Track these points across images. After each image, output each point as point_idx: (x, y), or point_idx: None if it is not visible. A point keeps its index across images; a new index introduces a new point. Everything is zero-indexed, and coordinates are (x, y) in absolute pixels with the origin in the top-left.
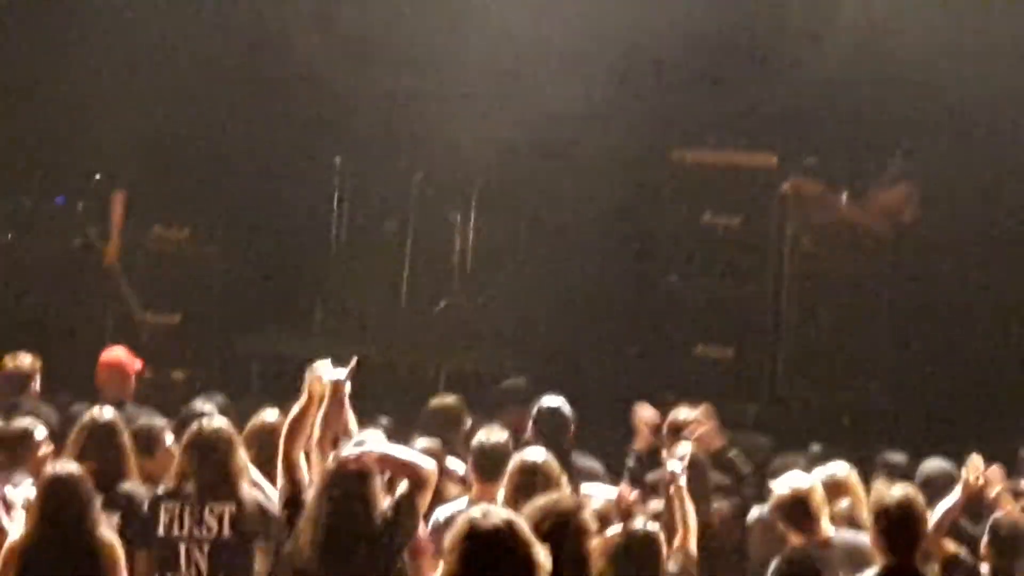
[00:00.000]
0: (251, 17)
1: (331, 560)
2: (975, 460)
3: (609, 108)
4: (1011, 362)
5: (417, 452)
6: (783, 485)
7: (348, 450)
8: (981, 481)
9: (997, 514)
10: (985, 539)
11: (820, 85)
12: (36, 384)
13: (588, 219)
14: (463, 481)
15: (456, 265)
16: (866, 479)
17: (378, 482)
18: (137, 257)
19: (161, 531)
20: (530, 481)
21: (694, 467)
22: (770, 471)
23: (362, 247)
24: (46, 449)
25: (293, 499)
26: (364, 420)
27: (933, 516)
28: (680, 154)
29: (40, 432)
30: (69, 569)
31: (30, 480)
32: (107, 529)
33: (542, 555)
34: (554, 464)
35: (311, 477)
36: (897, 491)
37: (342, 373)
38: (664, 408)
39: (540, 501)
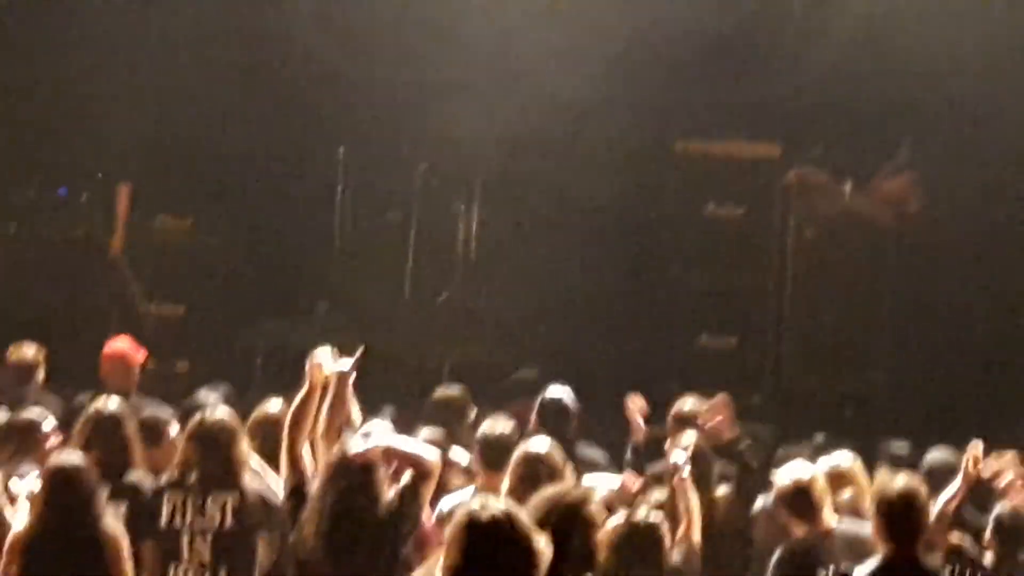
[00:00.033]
0: (254, 10)
1: (336, 551)
2: (975, 447)
3: (612, 100)
4: (1015, 352)
5: (421, 443)
6: (785, 475)
7: (353, 442)
8: (987, 471)
9: (1001, 503)
10: (989, 529)
11: (823, 76)
12: (40, 375)
13: (591, 211)
14: (467, 472)
15: (459, 256)
16: (870, 469)
17: (382, 473)
18: (140, 248)
19: (164, 522)
20: (534, 471)
21: (698, 457)
22: (774, 461)
23: (365, 238)
24: (54, 440)
25: (297, 489)
26: (368, 411)
27: (936, 506)
28: (683, 145)
29: (48, 424)
30: (73, 560)
31: (36, 472)
32: (111, 520)
33: (542, 544)
34: (558, 454)
35: (316, 467)
36: (899, 481)
37: (347, 364)
38: (669, 399)
39: (547, 493)
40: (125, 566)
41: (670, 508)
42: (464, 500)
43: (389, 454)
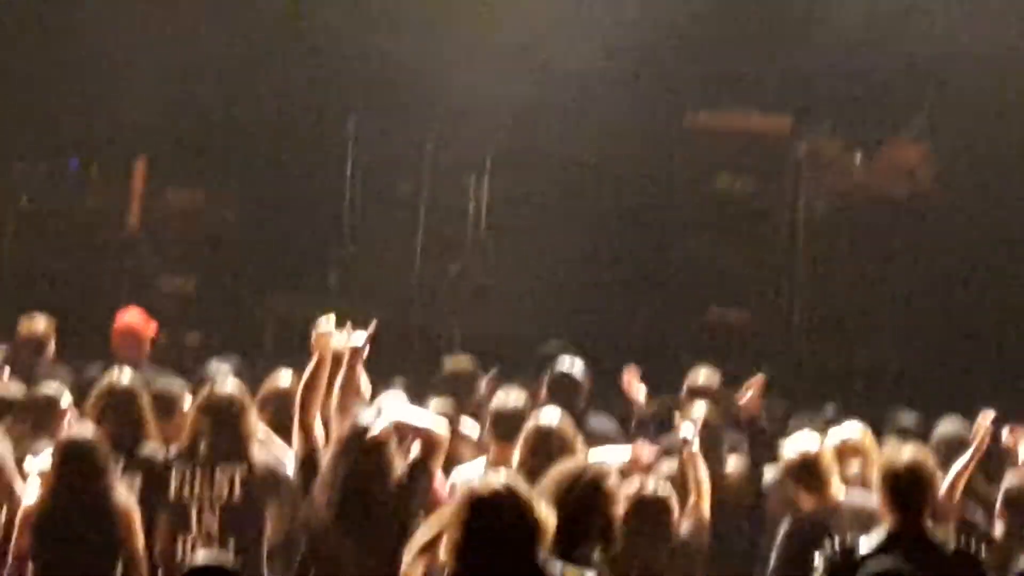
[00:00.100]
0: None
1: (347, 524)
2: (986, 417)
3: (623, 73)
4: None
5: (430, 415)
6: (793, 448)
7: (365, 415)
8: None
9: (1011, 475)
10: (999, 500)
11: (834, 48)
12: (51, 348)
13: (602, 182)
14: (477, 444)
15: (470, 229)
16: (880, 441)
17: (393, 446)
18: (152, 221)
19: (172, 493)
20: (544, 443)
21: (708, 429)
22: (785, 433)
23: (376, 211)
24: (71, 416)
25: (309, 460)
26: (378, 383)
27: (947, 477)
28: (694, 118)
29: (65, 399)
30: (85, 533)
31: (51, 448)
32: (123, 492)
33: (544, 514)
34: (568, 426)
35: (328, 441)
36: (906, 452)
37: (360, 338)
38: (681, 371)
39: (566, 468)
40: (137, 539)
41: (680, 480)
42: (476, 472)
43: (399, 428)
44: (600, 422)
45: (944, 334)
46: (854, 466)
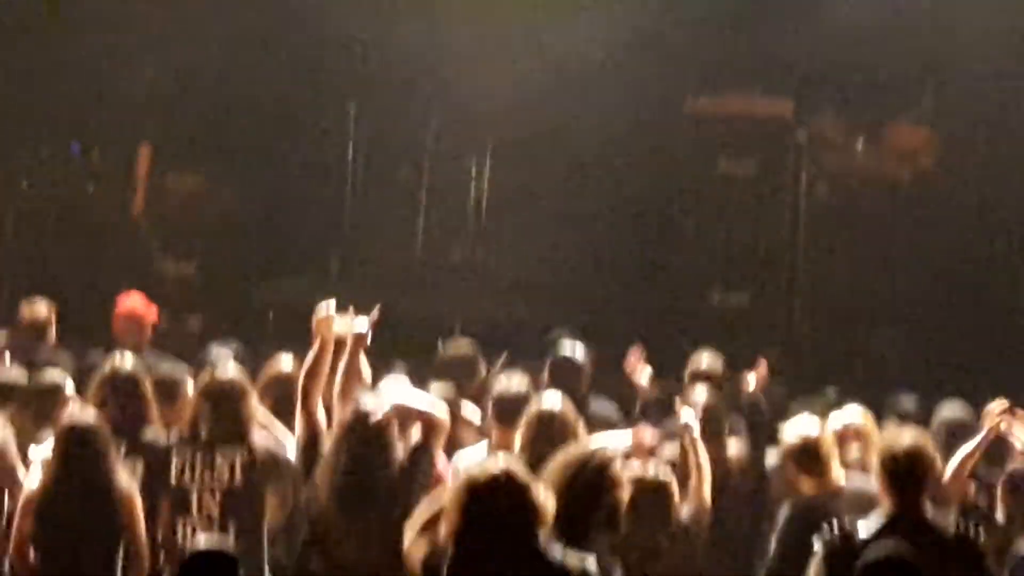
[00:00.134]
0: None
1: (349, 509)
2: (1000, 405)
3: (625, 56)
4: None
5: (430, 398)
6: (793, 432)
7: (367, 400)
8: (1004, 426)
9: (1013, 459)
10: (1001, 484)
11: (837, 32)
12: (52, 333)
13: (603, 167)
14: (478, 428)
15: (471, 214)
16: (881, 425)
17: (395, 431)
18: (152, 205)
19: (173, 478)
20: (546, 428)
21: (710, 413)
22: (786, 417)
23: (377, 196)
24: (74, 403)
25: (311, 444)
26: (380, 367)
27: (953, 461)
28: (696, 102)
29: (69, 386)
30: (87, 516)
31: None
32: (125, 477)
33: (541, 497)
34: (570, 411)
35: (330, 426)
36: (905, 436)
37: (363, 324)
38: (682, 355)
39: (573, 453)
40: (139, 524)
41: (681, 465)
42: (478, 457)
43: (400, 412)
44: (602, 406)
45: (946, 318)
46: (855, 450)
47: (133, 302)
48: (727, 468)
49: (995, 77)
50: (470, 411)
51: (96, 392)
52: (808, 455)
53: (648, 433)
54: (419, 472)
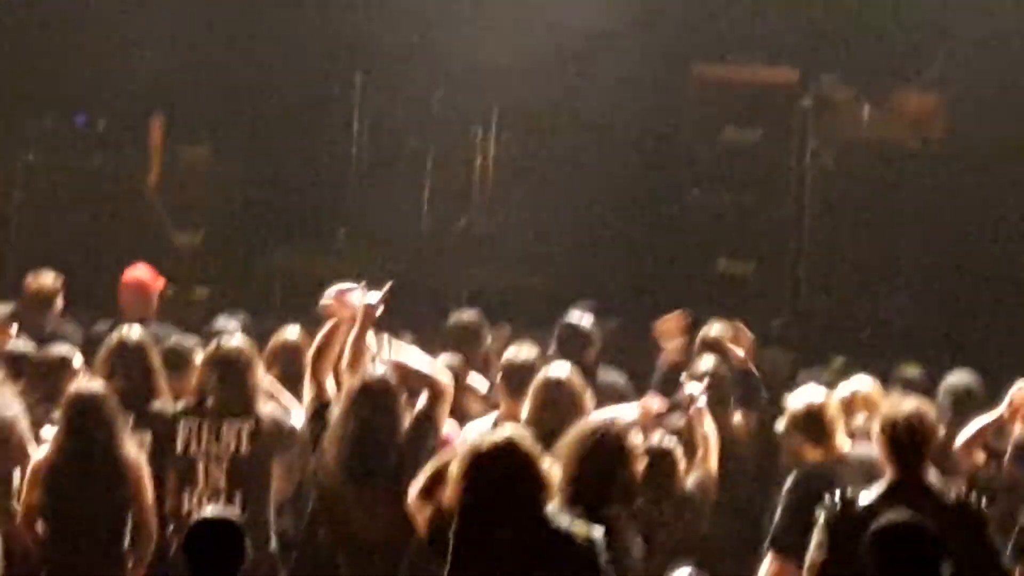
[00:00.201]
0: None
1: (357, 479)
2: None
3: (630, 24)
4: None
5: (433, 363)
6: (798, 399)
7: (373, 370)
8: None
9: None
10: (1008, 453)
11: None
12: (59, 304)
13: (609, 135)
14: (485, 398)
15: (477, 183)
16: (888, 393)
17: (402, 400)
18: (159, 176)
19: (180, 447)
20: (553, 397)
21: (716, 382)
22: (793, 385)
23: (383, 165)
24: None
25: (319, 415)
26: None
27: (965, 432)
28: (701, 69)
29: (77, 360)
30: (94, 486)
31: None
32: (132, 447)
33: (547, 466)
34: (578, 380)
35: (338, 395)
36: (907, 404)
37: (375, 297)
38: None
39: (589, 425)
40: (147, 494)
41: (687, 436)
42: (487, 426)
43: (403, 372)
44: (610, 375)
45: (953, 286)
46: (861, 418)
47: (139, 273)
48: (733, 436)
49: (1004, 41)
50: (477, 381)
51: (103, 363)
52: (813, 423)
53: (656, 402)
54: (425, 440)
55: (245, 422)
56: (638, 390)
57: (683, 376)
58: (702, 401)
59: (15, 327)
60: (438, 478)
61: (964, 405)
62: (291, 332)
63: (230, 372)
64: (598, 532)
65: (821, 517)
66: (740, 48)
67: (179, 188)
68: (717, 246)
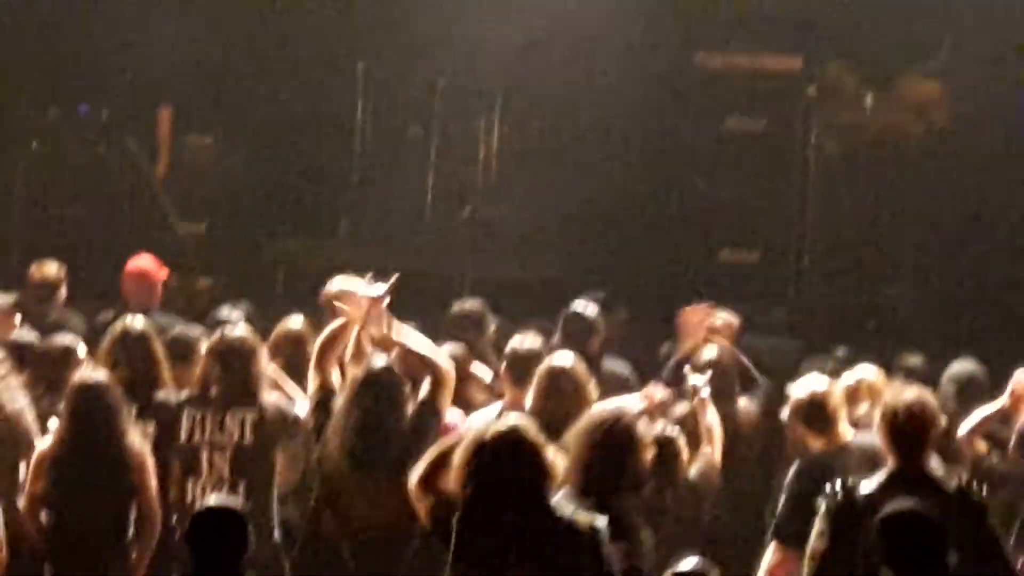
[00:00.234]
0: None
1: (360, 468)
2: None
3: (633, 11)
4: None
5: (437, 349)
6: (801, 388)
7: (377, 360)
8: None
9: None
10: (1012, 442)
11: None
12: (62, 293)
13: (612, 124)
14: (488, 387)
15: (480, 171)
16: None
17: (406, 390)
18: (163, 166)
19: (183, 437)
20: (557, 386)
21: (720, 371)
22: (796, 375)
23: (387, 153)
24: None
25: (323, 404)
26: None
27: (968, 421)
28: (704, 58)
29: (81, 350)
30: (98, 476)
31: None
32: (136, 436)
33: (551, 455)
34: (582, 369)
35: (343, 385)
36: (908, 393)
37: (381, 289)
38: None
39: (600, 415)
40: (149, 483)
41: (691, 425)
42: (491, 416)
43: (403, 349)
44: (615, 365)
45: (957, 275)
46: (865, 407)
47: (143, 262)
48: (737, 425)
49: (1009, 28)
50: (480, 370)
51: (107, 353)
52: (815, 412)
53: (658, 391)
54: (428, 429)
55: (249, 412)
56: (642, 380)
57: (686, 367)
58: (705, 392)
59: (18, 317)
60: (439, 465)
61: (968, 394)
62: (295, 321)
63: (234, 362)
64: (601, 521)
65: (822, 506)
66: (743, 36)
67: (182, 178)
68: (720, 235)
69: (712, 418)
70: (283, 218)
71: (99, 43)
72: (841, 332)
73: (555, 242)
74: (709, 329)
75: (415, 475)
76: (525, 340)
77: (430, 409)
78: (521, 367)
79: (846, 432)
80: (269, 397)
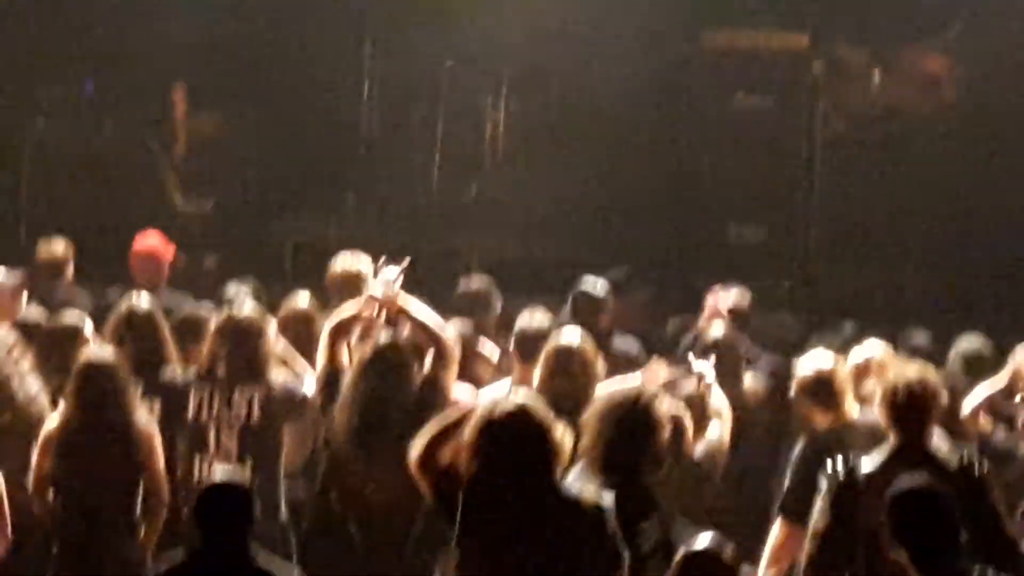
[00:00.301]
0: None
1: (367, 446)
2: None
3: None
4: None
5: (442, 322)
6: (807, 365)
7: (384, 338)
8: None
9: None
10: (1021, 418)
11: None
12: (69, 271)
13: (619, 102)
14: (496, 365)
15: (487, 150)
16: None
17: (414, 367)
18: (170, 144)
19: (191, 415)
20: (564, 363)
21: (726, 349)
22: (803, 351)
23: (393, 133)
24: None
25: (331, 382)
26: None
27: (973, 397)
28: (712, 35)
29: (88, 328)
30: (105, 453)
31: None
32: (143, 414)
33: (558, 433)
34: (590, 346)
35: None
36: (910, 370)
37: (394, 273)
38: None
39: (619, 393)
40: (158, 461)
41: (699, 401)
42: (500, 393)
43: (407, 317)
44: (625, 343)
45: (964, 252)
46: (870, 385)
47: (150, 240)
48: (743, 403)
49: (1016, 3)
50: (488, 348)
51: (113, 331)
52: (822, 389)
53: (662, 370)
54: (433, 405)
55: (256, 390)
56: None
57: (692, 349)
58: (710, 377)
59: (26, 295)
60: (438, 441)
61: (975, 370)
62: (302, 299)
63: (241, 340)
64: (607, 500)
65: (824, 485)
66: (750, 14)
67: (190, 156)
68: (728, 212)
69: (720, 401)
70: (290, 196)
71: (106, 21)
72: (848, 308)
73: (562, 221)
74: (727, 311)
75: (413, 451)
76: (534, 318)
77: (434, 385)
78: (530, 344)
79: (853, 409)
80: (276, 375)
